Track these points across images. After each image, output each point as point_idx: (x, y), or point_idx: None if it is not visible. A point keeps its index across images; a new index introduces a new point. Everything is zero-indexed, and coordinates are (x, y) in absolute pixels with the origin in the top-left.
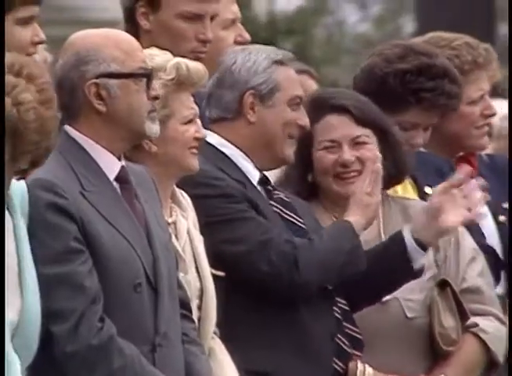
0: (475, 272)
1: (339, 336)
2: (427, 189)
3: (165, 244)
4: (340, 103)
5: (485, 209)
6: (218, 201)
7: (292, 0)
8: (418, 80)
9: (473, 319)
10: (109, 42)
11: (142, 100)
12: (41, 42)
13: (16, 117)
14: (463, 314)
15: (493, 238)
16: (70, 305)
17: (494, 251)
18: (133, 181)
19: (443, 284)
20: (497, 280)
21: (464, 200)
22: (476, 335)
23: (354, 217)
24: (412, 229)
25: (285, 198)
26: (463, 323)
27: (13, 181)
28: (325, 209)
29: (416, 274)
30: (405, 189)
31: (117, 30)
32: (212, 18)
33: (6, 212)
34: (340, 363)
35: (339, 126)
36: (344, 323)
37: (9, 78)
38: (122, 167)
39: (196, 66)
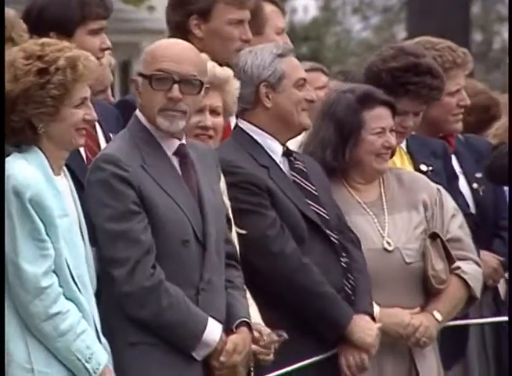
0: (456, 225)
1: (345, 283)
2: (422, 167)
3: (216, 208)
4: (389, 99)
5: (462, 178)
6: (236, 190)
7: (308, 13)
8: (405, 75)
9: (456, 264)
10: (154, 49)
11: (154, 98)
12: (107, 48)
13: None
14: (450, 259)
15: (468, 201)
16: (128, 254)
17: (473, 215)
18: (193, 156)
19: (434, 236)
20: (474, 233)
21: None
22: (459, 276)
23: (354, 323)
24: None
25: (303, 169)
26: (450, 266)
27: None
28: (347, 183)
29: None
30: (403, 164)
31: (177, 40)
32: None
33: (64, 175)
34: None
35: (386, 117)
36: (348, 274)
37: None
38: (181, 144)
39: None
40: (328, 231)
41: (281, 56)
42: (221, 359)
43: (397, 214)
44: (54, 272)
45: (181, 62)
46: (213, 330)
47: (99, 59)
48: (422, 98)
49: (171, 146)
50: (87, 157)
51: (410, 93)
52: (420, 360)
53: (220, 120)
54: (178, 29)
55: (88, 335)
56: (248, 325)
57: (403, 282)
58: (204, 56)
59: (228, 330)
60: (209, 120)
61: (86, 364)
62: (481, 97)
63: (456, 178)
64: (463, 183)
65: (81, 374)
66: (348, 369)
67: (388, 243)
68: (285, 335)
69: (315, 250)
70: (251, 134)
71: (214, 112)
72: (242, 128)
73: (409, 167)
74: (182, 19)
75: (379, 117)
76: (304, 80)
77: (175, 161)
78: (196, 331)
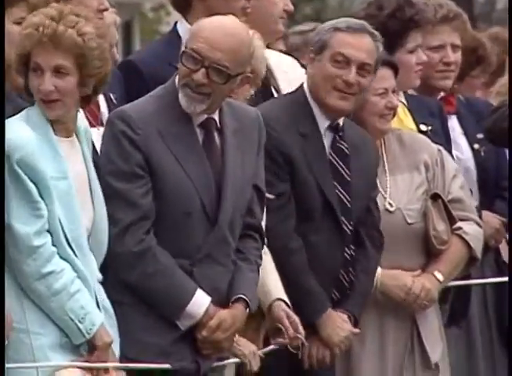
0: (457, 186)
1: (342, 272)
2: (422, 127)
3: (242, 183)
4: (392, 60)
5: (463, 139)
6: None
7: None
8: (404, 11)
9: (457, 224)
10: (200, 24)
11: (181, 70)
12: (105, 9)
13: (82, 44)
14: (451, 219)
15: (469, 162)
16: (122, 215)
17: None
18: (231, 124)
19: (435, 196)
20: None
21: None
22: (460, 237)
23: (326, 318)
24: None
25: (346, 150)
26: (451, 226)
27: (79, 115)
28: None
29: None
30: (408, 121)
31: (228, 21)
32: None
33: (75, 138)
34: (337, 294)
35: (389, 77)
36: (350, 268)
37: (71, 17)
38: (209, 118)
39: None
40: (342, 218)
41: (337, 29)
42: (203, 333)
43: (398, 175)
44: (48, 231)
45: (216, 48)
46: (199, 302)
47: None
48: (423, 25)
49: (198, 117)
50: (87, 119)
51: (418, 24)
52: (422, 321)
53: (246, 88)
54: None
55: (83, 295)
56: (245, 302)
57: (405, 242)
58: (257, 43)
59: (225, 305)
60: None
61: (79, 324)
62: (466, 39)
63: (449, 140)
64: (464, 144)
65: (74, 334)
66: (309, 359)
67: (390, 204)
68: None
69: (321, 231)
70: (309, 99)
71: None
72: (303, 87)
73: (412, 125)
74: None
75: (382, 78)
76: (347, 58)
77: (199, 132)
78: (180, 301)
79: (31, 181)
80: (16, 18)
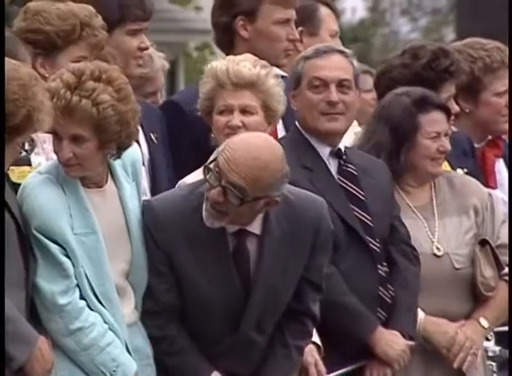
0: (506, 231)
1: (382, 289)
2: (459, 171)
3: (278, 289)
4: (444, 103)
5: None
6: None
7: (356, 13)
8: (440, 61)
9: (505, 270)
10: (227, 146)
11: (206, 184)
12: (146, 48)
13: (97, 115)
14: (499, 266)
15: None
16: (147, 304)
17: None
18: (270, 234)
19: (483, 242)
20: None
21: None
22: (507, 282)
23: (378, 335)
24: None
25: (354, 172)
26: (499, 272)
27: (112, 162)
28: (399, 186)
29: None
30: (446, 168)
31: (253, 145)
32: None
33: (109, 185)
34: (383, 313)
35: (442, 121)
36: (387, 284)
37: (88, 84)
38: (241, 229)
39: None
40: (367, 237)
41: (306, 58)
42: None
43: (447, 218)
44: (77, 286)
45: (234, 169)
46: None
47: (137, 58)
48: (457, 77)
49: (232, 227)
50: None
51: (454, 74)
52: (468, 369)
53: (254, 119)
54: (224, 30)
55: (115, 347)
56: None
57: (452, 288)
58: (273, 82)
59: None
60: (237, 119)
61: None
62: None
63: (479, 172)
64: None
65: None
66: None
67: (438, 248)
68: None
69: (350, 256)
70: (303, 132)
71: (246, 112)
72: (297, 126)
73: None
74: (228, 20)
75: (434, 121)
76: (323, 80)
77: (231, 239)
78: None
79: (55, 242)
80: (74, 57)
